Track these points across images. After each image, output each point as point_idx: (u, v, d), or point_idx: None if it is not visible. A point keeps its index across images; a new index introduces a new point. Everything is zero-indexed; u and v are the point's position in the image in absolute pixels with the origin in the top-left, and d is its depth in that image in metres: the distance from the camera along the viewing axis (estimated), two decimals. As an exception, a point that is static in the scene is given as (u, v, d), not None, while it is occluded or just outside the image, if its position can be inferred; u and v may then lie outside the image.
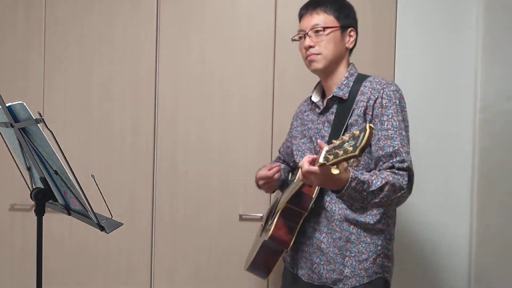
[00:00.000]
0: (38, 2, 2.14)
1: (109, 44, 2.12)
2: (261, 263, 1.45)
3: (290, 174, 1.70)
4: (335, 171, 0.99)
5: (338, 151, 0.98)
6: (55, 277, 2.13)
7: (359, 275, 1.35)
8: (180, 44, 2.08)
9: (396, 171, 1.26)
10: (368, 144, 0.92)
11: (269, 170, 1.54)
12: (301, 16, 1.45)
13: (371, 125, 0.94)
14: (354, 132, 0.97)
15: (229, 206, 2.05)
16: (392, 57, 1.97)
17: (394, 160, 1.27)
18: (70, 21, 2.13)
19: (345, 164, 1.08)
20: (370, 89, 1.35)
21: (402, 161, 1.26)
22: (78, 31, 2.13)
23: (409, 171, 1.27)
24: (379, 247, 1.37)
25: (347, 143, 0.97)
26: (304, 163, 1.12)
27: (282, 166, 1.65)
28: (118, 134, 2.11)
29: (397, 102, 1.32)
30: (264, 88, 2.04)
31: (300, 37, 1.44)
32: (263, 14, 2.03)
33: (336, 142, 1.01)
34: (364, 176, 1.19)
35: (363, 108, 1.33)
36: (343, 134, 1.33)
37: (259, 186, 1.62)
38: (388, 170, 1.26)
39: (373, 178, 1.21)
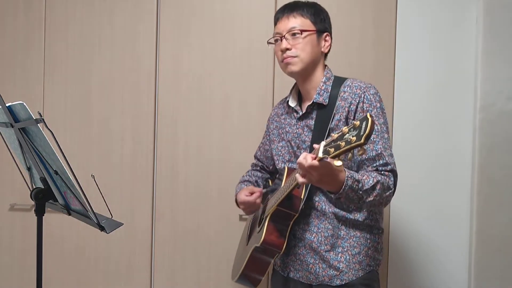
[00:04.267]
0: (38, 2, 2.14)
1: (109, 44, 2.12)
2: (252, 271, 1.44)
3: (270, 181, 1.69)
4: (337, 162, 0.99)
5: (340, 143, 0.99)
6: (55, 277, 2.13)
7: (354, 269, 1.36)
8: (180, 44, 2.08)
9: (382, 172, 1.29)
10: (372, 131, 0.93)
11: (251, 194, 1.51)
12: (277, 19, 1.45)
13: (370, 114, 0.95)
14: (354, 122, 0.97)
15: (229, 206, 2.05)
16: (392, 57, 1.97)
17: (378, 163, 1.31)
18: (70, 21, 2.13)
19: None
20: (351, 94, 1.36)
21: (386, 164, 1.30)
22: (78, 31, 2.13)
23: (393, 173, 1.32)
24: (368, 241, 1.39)
25: (348, 134, 0.98)
26: (307, 158, 1.10)
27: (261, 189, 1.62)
28: (118, 134, 2.11)
29: (378, 105, 1.35)
30: (264, 88, 2.05)
31: (276, 40, 1.44)
32: (263, 14, 2.03)
33: (335, 136, 1.02)
34: (357, 175, 1.22)
35: (344, 113, 1.35)
36: (326, 138, 1.34)
37: (238, 205, 1.60)
38: (374, 171, 1.30)
39: (364, 177, 1.24)
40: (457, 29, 1.94)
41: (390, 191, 1.29)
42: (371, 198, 1.23)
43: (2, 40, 2.17)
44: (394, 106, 1.97)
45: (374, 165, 1.30)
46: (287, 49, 1.39)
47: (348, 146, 0.96)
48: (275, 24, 1.46)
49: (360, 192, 1.21)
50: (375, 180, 1.23)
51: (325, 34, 1.44)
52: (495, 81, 1.89)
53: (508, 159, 1.88)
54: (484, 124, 1.90)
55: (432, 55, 1.95)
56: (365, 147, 0.96)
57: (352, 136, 0.96)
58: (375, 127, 1.32)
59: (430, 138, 1.96)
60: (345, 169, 1.19)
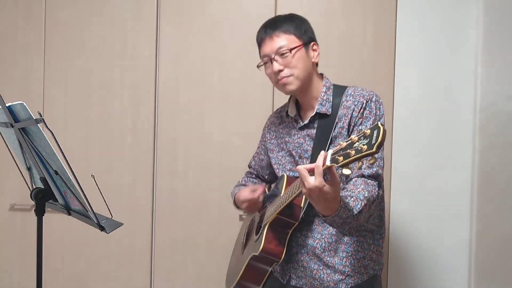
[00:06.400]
0: (38, 2, 2.14)
1: (109, 44, 2.12)
2: (249, 280, 1.41)
3: (266, 189, 1.66)
4: (346, 171, 0.98)
5: (350, 151, 0.97)
6: (55, 277, 2.13)
7: (360, 273, 1.36)
8: (180, 44, 2.09)
9: (367, 180, 1.28)
10: (384, 140, 0.92)
11: (253, 191, 1.48)
12: (260, 40, 1.42)
13: (381, 122, 0.94)
14: (365, 131, 0.96)
15: (229, 206, 2.05)
16: (392, 57, 1.97)
17: (364, 166, 1.29)
18: (70, 21, 2.13)
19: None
20: (354, 102, 1.36)
21: (371, 166, 1.29)
22: (78, 31, 2.13)
23: (378, 177, 1.31)
24: (372, 245, 1.39)
25: (358, 143, 0.96)
26: (317, 178, 1.07)
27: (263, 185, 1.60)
28: (118, 134, 2.11)
29: (377, 112, 1.35)
30: (264, 88, 2.04)
31: (265, 63, 1.41)
32: (263, 14, 2.03)
33: (343, 144, 1.01)
34: (349, 203, 1.20)
35: (347, 120, 1.35)
36: (328, 148, 1.34)
37: (237, 206, 1.58)
38: (360, 179, 1.29)
39: (352, 200, 1.22)
40: (457, 29, 1.94)
41: (375, 202, 1.28)
42: (355, 221, 1.23)
43: (2, 40, 2.17)
44: (394, 106, 1.97)
45: (362, 167, 1.28)
46: (280, 70, 1.37)
47: (359, 155, 0.94)
48: (260, 45, 1.43)
49: (347, 219, 1.20)
50: (362, 204, 1.22)
51: (311, 44, 1.42)
52: (495, 81, 1.89)
53: (508, 159, 1.88)
54: (484, 124, 1.90)
55: (432, 55, 1.95)
56: (375, 156, 0.95)
57: (363, 145, 0.94)
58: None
59: (430, 138, 1.96)
60: (341, 197, 1.16)
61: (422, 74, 1.96)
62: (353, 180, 1.30)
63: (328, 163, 1.03)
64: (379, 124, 0.93)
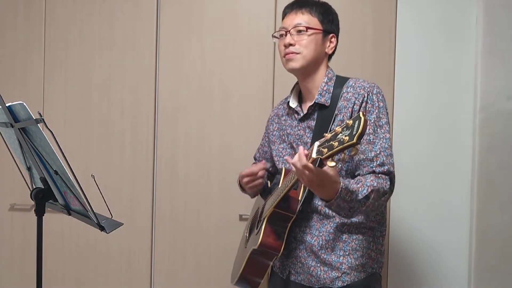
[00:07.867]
0: (38, 2, 2.14)
1: (109, 44, 2.12)
2: (251, 274, 1.41)
3: (269, 182, 1.67)
4: (331, 163, 0.98)
5: (333, 143, 0.97)
6: (55, 277, 2.13)
7: (357, 270, 1.35)
8: (180, 44, 2.09)
9: (378, 175, 1.28)
10: (365, 131, 0.92)
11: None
12: (285, 14, 1.44)
13: (363, 112, 0.94)
14: (347, 122, 0.96)
15: (229, 206, 2.06)
16: (392, 57, 1.97)
17: (374, 164, 1.29)
18: (70, 21, 2.13)
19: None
20: (354, 94, 1.35)
21: (382, 164, 1.29)
22: (78, 31, 2.13)
23: (390, 174, 1.30)
24: (371, 243, 1.38)
25: (341, 134, 0.97)
26: (302, 158, 1.09)
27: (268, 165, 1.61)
28: (118, 134, 2.11)
29: (381, 104, 1.34)
30: (264, 88, 2.05)
31: (281, 35, 1.43)
32: (263, 14, 2.03)
33: (328, 136, 1.01)
34: (352, 186, 1.20)
35: (348, 114, 1.34)
36: None
37: (242, 188, 1.60)
38: (371, 174, 1.28)
39: (359, 186, 1.22)
40: (457, 29, 1.94)
41: (386, 195, 1.28)
42: (363, 208, 1.22)
43: (2, 40, 2.17)
44: (394, 106, 1.97)
45: (371, 165, 1.29)
46: (291, 44, 1.38)
47: (341, 146, 0.95)
48: (282, 18, 1.45)
49: (352, 203, 1.20)
50: (369, 190, 1.21)
51: (331, 35, 1.43)
52: (495, 81, 1.89)
53: (507, 158, 1.89)
54: (484, 124, 1.90)
55: (432, 55, 1.95)
56: (358, 147, 0.95)
57: (345, 136, 0.94)
58: (375, 128, 1.31)
59: (430, 138, 1.96)
60: (340, 180, 1.17)
61: (422, 74, 1.96)
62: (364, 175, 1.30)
63: (314, 155, 1.04)
64: (361, 114, 0.93)
